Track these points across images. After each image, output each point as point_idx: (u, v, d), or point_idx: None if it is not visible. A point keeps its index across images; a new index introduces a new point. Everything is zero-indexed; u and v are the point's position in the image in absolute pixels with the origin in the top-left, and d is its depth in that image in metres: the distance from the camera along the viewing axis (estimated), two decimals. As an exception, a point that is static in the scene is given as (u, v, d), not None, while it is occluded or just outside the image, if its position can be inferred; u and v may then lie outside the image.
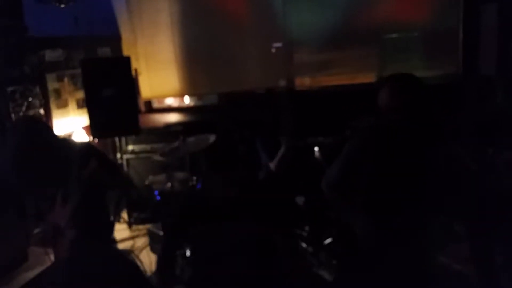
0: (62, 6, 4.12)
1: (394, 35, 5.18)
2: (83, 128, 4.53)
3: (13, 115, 3.83)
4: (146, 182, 4.38)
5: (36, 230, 2.77)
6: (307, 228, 3.18)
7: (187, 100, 5.85)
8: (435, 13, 4.91)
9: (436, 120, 2.28)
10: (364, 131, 2.29)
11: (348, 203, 2.21)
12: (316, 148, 3.95)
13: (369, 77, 5.22)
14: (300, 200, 3.46)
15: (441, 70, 5.04)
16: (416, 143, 2.07)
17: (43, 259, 3.14)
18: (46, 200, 2.54)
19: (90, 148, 2.71)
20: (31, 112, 4.03)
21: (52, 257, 2.86)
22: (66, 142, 2.86)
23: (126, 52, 5.33)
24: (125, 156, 4.76)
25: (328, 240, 3.00)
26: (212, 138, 3.51)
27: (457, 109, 4.01)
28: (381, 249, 2.12)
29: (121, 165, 4.68)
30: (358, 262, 2.27)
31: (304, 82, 5.46)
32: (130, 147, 4.83)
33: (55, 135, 2.60)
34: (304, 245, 3.08)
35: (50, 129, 2.64)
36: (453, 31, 4.86)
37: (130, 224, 4.66)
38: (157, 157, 3.81)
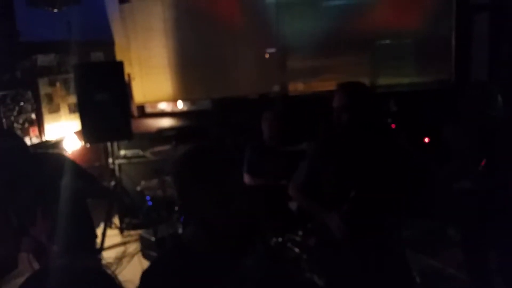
0: (55, 10, 4.11)
1: (387, 42, 5.21)
2: (75, 133, 4.50)
3: (4, 120, 3.80)
4: (138, 188, 4.35)
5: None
6: (300, 233, 3.17)
7: (180, 105, 5.84)
8: (428, 20, 4.94)
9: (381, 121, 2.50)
10: (320, 136, 2.57)
11: (315, 204, 2.39)
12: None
13: (362, 83, 5.24)
14: (293, 205, 3.45)
15: (434, 77, 5.07)
16: (365, 141, 2.31)
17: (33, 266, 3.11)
18: (27, 214, 2.52)
19: (67, 163, 2.67)
20: (22, 117, 4.00)
21: (36, 266, 2.83)
22: (42, 156, 2.83)
23: (119, 57, 5.32)
24: (117, 161, 4.72)
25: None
26: None
27: (449, 114, 4.03)
28: (354, 244, 2.22)
29: (113, 170, 4.65)
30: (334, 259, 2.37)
31: (297, 87, 5.47)
32: (123, 152, 4.80)
33: (28, 150, 2.55)
34: (297, 250, 3.07)
35: (23, 143, 2.59)
36: (446, 38, 4.89)
37: (122, 230, 4.62)
38: (148, 155, 3.77)
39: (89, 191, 2.73)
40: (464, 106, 3.05)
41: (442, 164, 2.80)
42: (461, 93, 4.37)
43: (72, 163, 2.68)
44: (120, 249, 4.27)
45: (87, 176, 2.75)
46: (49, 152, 3.51)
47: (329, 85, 5.25)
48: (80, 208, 2.65)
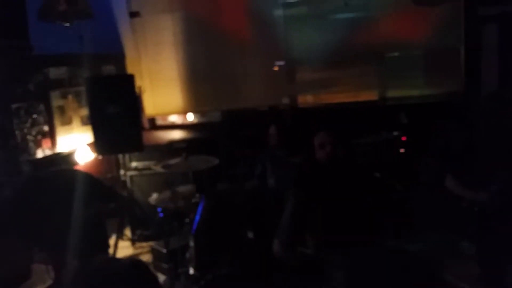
0: (67, 24, 4.17)
1: (396, 54, 5.22)
2: (87, 144, 4.53)
3: (17, 132, 3.84)
4: (149, 199, 4.35)
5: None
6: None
7: (190, 117, 5.87)
8: (437, 32, 4.95)
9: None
10: (297, 186, 2.45)
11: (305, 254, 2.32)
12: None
13: (371, 95, 5.25)
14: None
15: (443, 89, 5.06)
16: (346, 177, 2.34)
17: (46, 278, 3.12)
18: (48, 231, 2.54)
19: (89, 182, 2.70)
20: (35, 129, 4.04)
21: (52, 275, 2.84)
22: (65, 176, 2.86)
23: (130, 70, 5.38)
24: (128, 173, 4.74)
25: None
26: (215, 161, 3.51)
27: (459, 126, 4.02)
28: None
29: (124, 182, 4.68)
30: None
31: (306, 99, 5.49)
32: (134, 164, 4.82)
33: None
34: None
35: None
36: (455, 50, 4.89)
37: (133, 241, 4.62)
38: (158, 169, 3.78)
39: (105, 210, 2.76)
40: (476, 116, 3.03)
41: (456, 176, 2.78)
42: (473, 104, 4.37)
43: (87, 180, 2.71)
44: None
45: (104, 193, 2.78)
46: (64, 170, 3.49)
47: (338, 98, 5.28)
48: (96, 222, 2.68)
